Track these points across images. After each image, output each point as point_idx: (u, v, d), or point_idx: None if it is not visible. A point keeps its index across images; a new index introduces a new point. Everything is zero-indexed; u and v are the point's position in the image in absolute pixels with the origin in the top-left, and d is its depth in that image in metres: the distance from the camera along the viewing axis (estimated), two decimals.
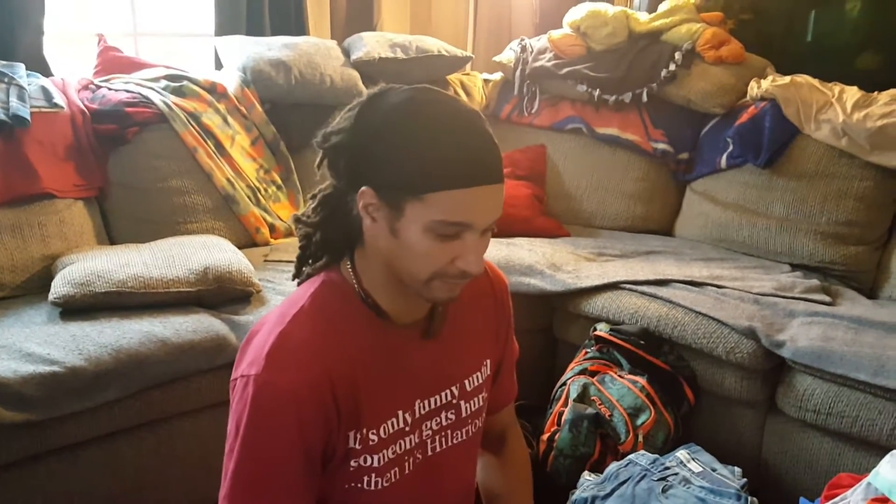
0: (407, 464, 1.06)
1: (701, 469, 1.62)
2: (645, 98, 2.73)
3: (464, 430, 1.13)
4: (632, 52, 2.80)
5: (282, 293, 2.00)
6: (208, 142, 2.38)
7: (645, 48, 2.80)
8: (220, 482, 0.98)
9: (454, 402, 1.10)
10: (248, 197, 2.42)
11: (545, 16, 3.47)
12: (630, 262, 2.35)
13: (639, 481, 1.61)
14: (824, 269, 2.36)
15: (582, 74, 2.81)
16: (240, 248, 2.18)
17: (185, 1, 2.99)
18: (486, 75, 3.18)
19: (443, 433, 1.10)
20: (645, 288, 2.12)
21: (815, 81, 2.55)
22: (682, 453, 1.67)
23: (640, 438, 1.81)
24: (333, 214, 1.01)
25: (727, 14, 2.91)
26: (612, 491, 1.61)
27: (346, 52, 2.80)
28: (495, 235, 1.00)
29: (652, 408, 1.85)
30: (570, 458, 1.81)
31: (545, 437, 1.89)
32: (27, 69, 2.23)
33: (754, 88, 2.59)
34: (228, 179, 2.38)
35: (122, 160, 2.25)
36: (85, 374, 1.59)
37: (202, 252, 1.99)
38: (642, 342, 1.99)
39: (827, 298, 2.11)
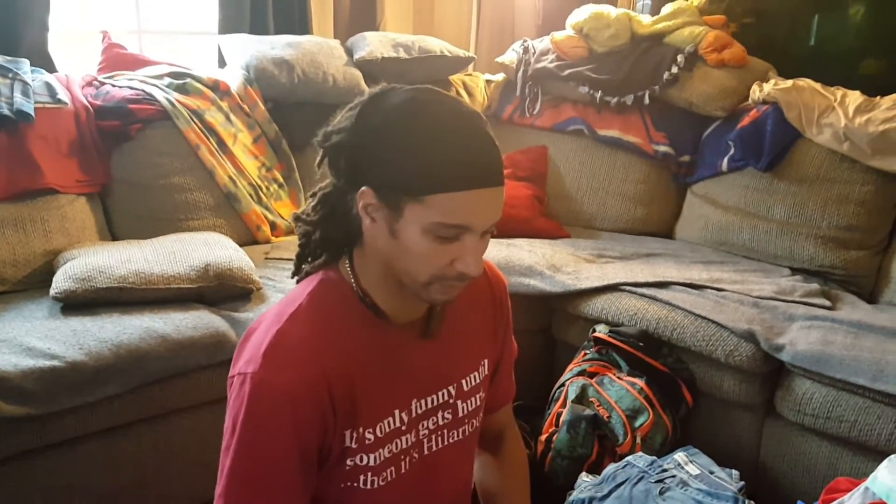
0: (403, 463, 1.06)
1: (699, 472, 1.62)
2: (647, 100, 2.73)
3: (460, 430, 1.13)
4: (634, 55, 2.80)
5: (282, 291, 2.01)
6: (211, 139, 2.38)
7: (647, 50, 2.80)
8: (217, 479, 0.98)
9: (451, 401, 1.11)
10: (250, 195, 2.42)
11: (548, 17, 3.47)
12: (630, 264, 2.35)
13: (636, 483, 1.61)
14: (824, 274, 2.36)
15: (584, 76, 2.81)
16: (241, 245, 2.18)
17: None
18: (488, 76, 3.18)
19: (439, 432, 1.10)
20: (644, 290, 2.12)
21: (818, 85, 2.55)
22: (679, 456, 1.67)
23: (638, 440, 1.81)
24: (333, 213, 1.01)
25: (730, 17, 2.91)
26: (610, 492, 1.61)
27: (349, 52, 2.80)
28: (495, 236, 1.00)
29: (650, 410, 1.85)
30: (568, 459, 1.82)
31: (543, 437, 1.89)
32: (31, 65, 2.24)
33: (756, 92, 2.59)
34: (230, 177, 2.38)
35: (124, 157, 2.26)
36: (85, 369, 1.60)
37: (203, 249, 1.99)
38: (641, 344, 1.99)
39: (827, 303, 2.11)
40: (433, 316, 1.07)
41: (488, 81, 3.14)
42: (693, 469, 1.63)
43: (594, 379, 1.97)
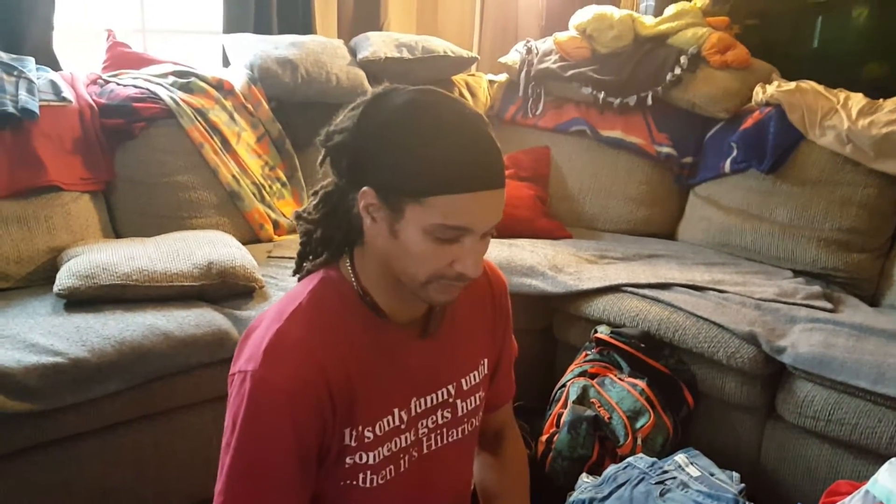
0: (402, 461, 1.07)
1: (699, 473, 1.62)
2: (650, 101, 2.73)
3: (459, 429, 1.13)
4: (637, 56, 2.80)
5: (284, 289, 2.01)
6: (214, 138, 2.39)
7: (650, 52, 2.81)
8: (217, 476, 0.99)
9: (450, 400, 1.11)
10: (253, 193, 2.43)
11: (551, 18, 3.47)
12: (632, 265, 2.35)
13: (637, 484, 1.61)
14: (826, 276, 2.36)
15: (587, 77, 2.81)
16: (244, 243, 2.19)
17: None
18: (491, 76, 3.18)
19: (438, 431, 1.11)
20: (646, 291, 2.12)
21: (821, 88, 2.54)
22: (680, 457, 1.67)
23: (639, 441, 1.81)
24: (334, 212, 1.02)
25: (733, 19, 2.91)
26: (610, 493, 1.61)
27: (353, 52, 2.81)
28: (496, 236, 1.00)
29: (651, 411, 1.85)
30: (569, 460, 1.82)
31: (544, 438, 1.89)
32: (36, 63, 2.25)
33: (759, 94, 2.59)
34: (234, 176, 2.39)
35: (128, 155, 2.27)
36: (88, 366, 1.60)
37: (206, 247, 2.00)
38: (643, 345, 1.99)
39: (829, 305, 2.11)
40: (433, 315, 1.07)
41: (491, 82, 3.14)
42: (693, 471, 1.63)
43: (595, 380, 1.97)
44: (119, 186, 2.25)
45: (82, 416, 1.64)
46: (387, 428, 1.03)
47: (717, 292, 2.13)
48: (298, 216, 1.07)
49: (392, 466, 1.05)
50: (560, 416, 1.88)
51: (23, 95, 2.06)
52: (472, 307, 1.13)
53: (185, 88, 2.41)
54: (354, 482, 1.03)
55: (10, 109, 2.00)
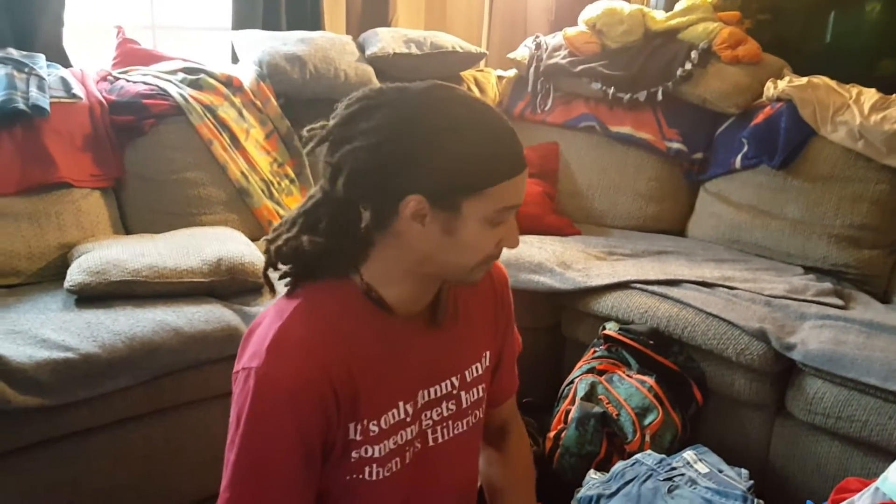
0: (408, 454, 1.07)
1: (708, 470, 1.62)
2: (660, 97, 2.72)
3: (464, 421, 1.14)
4: (647, 51, 2.79)
5: None
6: (223, 135, 2.40)
7: (661, 47, 2.79)
8: (223, 473, 0.99)
9: (454, 392, 1.11)
10: (262, 190, 2.43)
11: (560, 13, 3.46)
12: (641, 262, 2.35)
13: (644, 481, 1.61)
14: (837, 273, 2.35)
15: (596, 72, 2.80)
16: (253, 240, 2.20)
17: None
18: (499, 72, 3.18)
19: (443, 424, 1.11)
20: (655, 288, 2.12)
21: (833, 83, 2.53)
22: (689, 454, 1.67)
23: (648, 438, 1.81)
24: (338, 228, 0.99)
25: (744, 14, 2.89)
26: (618, 490, 1.61)
27: (361, 48, 2.81)
28: None
29: (660, 408, 1.85)
30: (576, 457, 1.82)
31: (551, 434, 1.89)
32: (47, 60, 2.26)
33: (770, 89, 2.57)
34: (242, 172, 2.39)
35: (138, 151, 2.27)
36: (98, 361, 1.61)
37: (216, 243, 2.01)
38: (651, 342, 1.99)
39: (839, 302, 2.10)
40: (440, 305, 1.08)
41: (500, 77, 3.13)
42: (702, 467, 1.63)
43: (603, 376, 1.97)
44: (129, 183, 2.26)
45: (92, 412, 1.65)
46: (392, 421, 1.04)
47: (727, 289, 2.12)
48: (290, 239, 1.02)
49: (398, 459, 1.06)
50: (568, 412, 1.88)
51: (33, 92, 2.07)
52: (474, 299, 1.14)
53: (195, 85, 2.42)
54: (360, 476, 1.03)
55: (21, 106, 2.01)
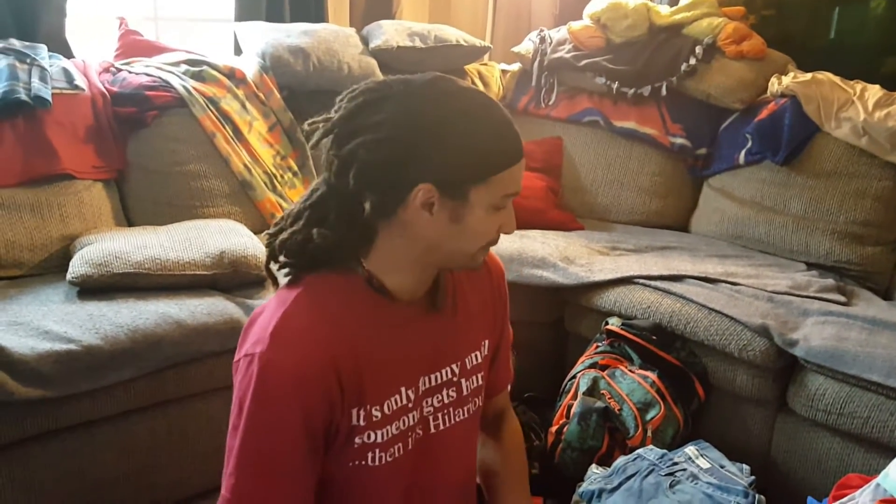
0: (410, 439, 1.08)
1: (709, 465, 1.62)
2: (664, 92, 2.71)
3: (465, 409, 1.15)
4: (652, 45, 2.78)
5: None
6: (226, 127, 2.39)
7: (665, 41, 2.78)
8: (225, 459, 0.99)
9: (455, 379, 1.12)
10: (265, 183, 2.43)
11: (565, 7, 3.45)
12: (644, 257, 2.34)
13: (646, 476, 1.61)
14: (840, 269, 2.35)
15: (601, 67, 2.79)
16: (255, 233, 2.19)
17: None
18: (503, 66, 3.17)
19: (445, 411, 1.12)
20: (658, 283, 2.12)
21: (837, 79, 2.52)
22: (690, 449, 1.67)
23: (649, 433, 1.81)
24: (345, 218, 1.00)
25: (749, 9, 2.88)
26: (620, 485, 1.61)
27: (365, 40, 2.80)
28: None
29: (662, 403, 1.85)
30: (578, 451, 1.82)
31: (553, 429, 1.89)
32: (49, 51, 2.26)
33: (775, 85, 2.57)
34: (245, 165, 2.39)
35: (141, 143, 2.27)
36: (101, 353, 1.61)
37: (218, 236, 2.01)
38: (654, 337, 1.99)
39: (842, 298, 2.10)
40: (438, 291, 1.09)
41: (504, 71, 3.13)
42: (704, 463, 1.63)
43: (606, 371, 1.97)
44: (131, 175, 2.26)
45: (95, 404, 1.65)
46: (395, 406, 1.05)
47: (730, 285, 2.12)
48: (297, 233, 1.02)
49: (400, 444, 1.07)
50: (570, 407, 1.88)
51: (36, 83, 2.07)
52: (473, 288, 1.16)
53: (197, 77, 2.42)
54: (363, 462, 1.04)
55: (24, 97, 2.01)
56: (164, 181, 2.28)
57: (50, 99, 2.06)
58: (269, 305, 1.03)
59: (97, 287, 1.80)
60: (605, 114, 2.83)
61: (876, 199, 2.32)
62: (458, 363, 1.13)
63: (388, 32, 2.78)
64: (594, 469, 1.71)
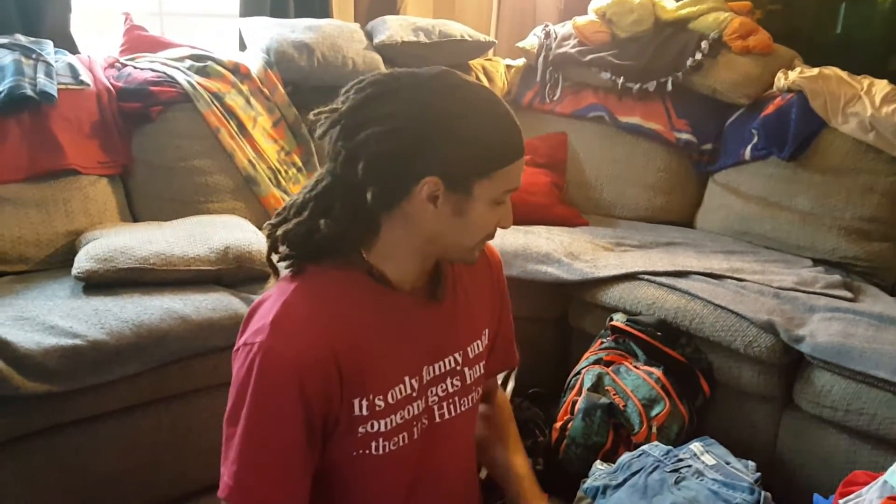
0: (415, 429, 1.08)
1: (714, 462, 1.61)
2: (669, 87, 2.70)
3: (469, 398, 1.16)
4: (657, 41, 2.77)
5: None
6: (231, 122, 2.39)
7: (671, 36, 2.77)
8: (223, 448, 1.00)
9: (458, 368, 1.13)
10: (269, 178, 2.43)
11: (570, 2, 3.44)
12: (649, 253, 2.34)
13: (651, 472, 1.61)
14: (847, 265, 2.34)
15: (606, 62, 2.78)
16: (260, 228, 2.19)
17: None
18: (508, 61, 3.16)
19: (449, 400, 1.13)
20: (663, 279, 2.11)
21: (844, 74, 2.51)
22: (695, 445, 1.67)
23: (654, 429, 1.81)
24: (347, 209, 1.01)
25: (755, 4, 2.87)
26: (624, 481, 1.61)
27: (369, 36, 2.80)
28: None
29: (667, 399, 1.85)
30: (583, 447, 1.82)
31: (558, 425, 1.89)
32: (54, 46, 2.26)
33: (781, 80, 2.55)
34: (250, 160, 2.39)
35: (146, 138, 2.27)
36: (106, 348, 1.62)
37: (223, 231, 2.01)
38: (659, 333, 1.98)
39: (848, 294, 2.09)
40: (440, 280, 1.10)
41: (508, 66, 3.12)
42: (709, 459, 1.62)
43: (610, 367, 1.97)
44: (136, 170, 2.26)
45: (100, 398, 1.66)
46: (399, 396, 1.05)
47: (736, 280, 2.11)
48: (302, 224, 1.03)
49: (405, 433, 1.07)
50: (574, 403, 1.88)
51: (41, 78, 2.07)
52: (472, 279, 1.17)
53: (202, 72, 2.42)
54: (367, 451, 1.05)
55: (29, 92, 2.01)
56: (169, 176, 2.28)
57: (55, 94, 2.07)
58: (270, 296, 1.03)
59: (102, 282, 1.80)
60: (610, 109, 2.82)
61: (883, 194, 2.31)
62: (461, 352, 1.14)
63: (393, 28, 2.78)
64: (598, 465, 1.70)
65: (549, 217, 2.57)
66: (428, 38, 2.79)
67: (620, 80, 2.76)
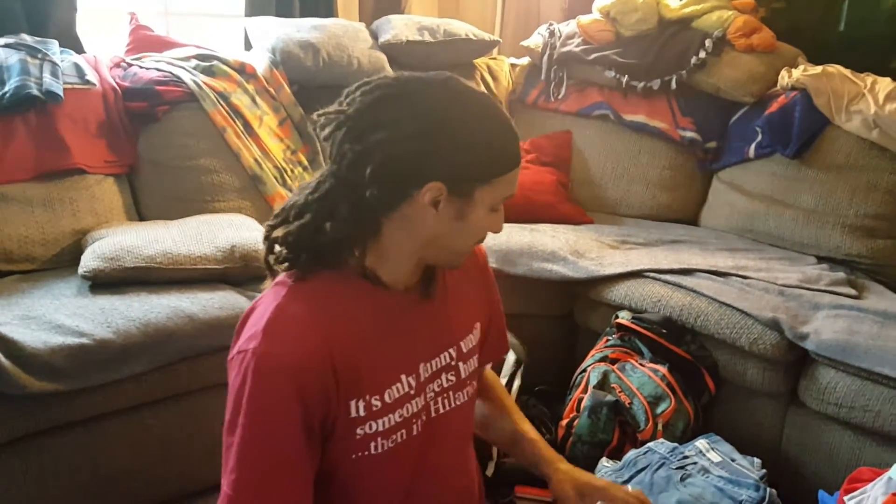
0: (414, 426, 1.08)
1: (720, 459, 1.62)
2: (674, 85, 2.70)
3: (464, 392, 1.16)
4: (661, 39, 2.77)
5: None
6: (237, 122, 2.40)
7: (675, 35, 2.77)
8: (224, 457, 0.99)
9: (453, 363, 1.13)
10: (275, 177, 2.44)
11: (574, 1, 3.44)
12: (654, 251, 2.34)
13: (657, 469, 1.61)
14: (851, 263, 2.34)
15: (610, 60, 2.78)
16: None
17: None
18: (513, 60, 3.16)
19: (445, 395, 1.13)
20: (668, 277, 2.11)
21: (847, 72, 2.51)
22: (701, 443, 1.67)
23: (660, 427, 1.81)
24: (355, 213, 1.00)
25: (759, 2, 2.86)
26: (630, 478, 1.61)
27: (374, 35, 2.80)
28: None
29: (672, 397, 1.85)
30: (589, 445, 1.82)
31: (564, 422, 1.90)
32: (60, 46, 2.26)
33: (785, 78, 2.55)
34: (256, 159, 2.40)
35: (152, 138, 2.28)
36: (113, 347, 1.63)
37: (229, 230, 2.01)
38: (664, 331, 1.98)
39: (853, 291, 2.09)
40: (433, 279, 1.11)
41: (513, 65, 3.12)
42: (714, 456, 1.63)
43: (616, 365, 1.97)
44: (142, 169, 2.27)
45: (108, 397, 1.67)
46: (396, 395, 1.05)
47: (740, 278, 2.11)
48: (305, 226, 1.02)
49: (403, 431, 1.07)
50: (580, 400, 1.88)
51: (47, 78, 2.08)
52: (462, 275, 1.17)
53: (208, 72, 2.42)
54: (366, 452, 1.04)
55: (35, 92, 2.02)
56: (175, 176, 2.29)
57: (61, 94, 2.07)
58: (263, 300, 1.03)
59: (109, 281, 1.81)
60: (614, 107, 2.82)
61: (887, 192, 2.31)
62: (455, 347, 1.14)
63: (398, 27, 2.78)
64: (605, 462, 1.71)
65: (554, 215, 2.57)
66: (433, 37, 2.79)
67: (625, 79, 2.76)
